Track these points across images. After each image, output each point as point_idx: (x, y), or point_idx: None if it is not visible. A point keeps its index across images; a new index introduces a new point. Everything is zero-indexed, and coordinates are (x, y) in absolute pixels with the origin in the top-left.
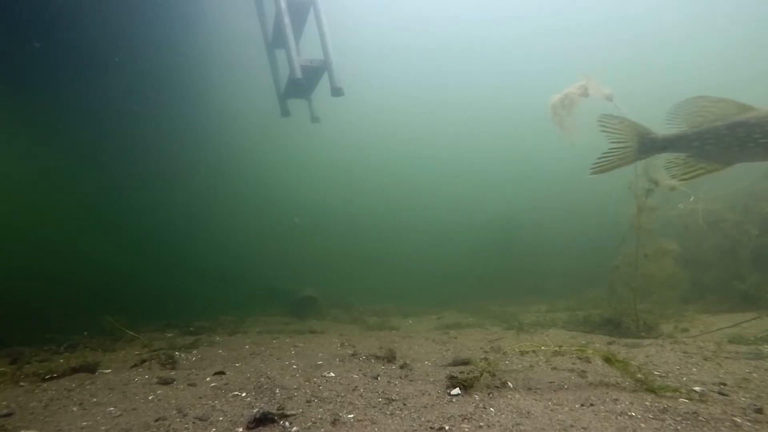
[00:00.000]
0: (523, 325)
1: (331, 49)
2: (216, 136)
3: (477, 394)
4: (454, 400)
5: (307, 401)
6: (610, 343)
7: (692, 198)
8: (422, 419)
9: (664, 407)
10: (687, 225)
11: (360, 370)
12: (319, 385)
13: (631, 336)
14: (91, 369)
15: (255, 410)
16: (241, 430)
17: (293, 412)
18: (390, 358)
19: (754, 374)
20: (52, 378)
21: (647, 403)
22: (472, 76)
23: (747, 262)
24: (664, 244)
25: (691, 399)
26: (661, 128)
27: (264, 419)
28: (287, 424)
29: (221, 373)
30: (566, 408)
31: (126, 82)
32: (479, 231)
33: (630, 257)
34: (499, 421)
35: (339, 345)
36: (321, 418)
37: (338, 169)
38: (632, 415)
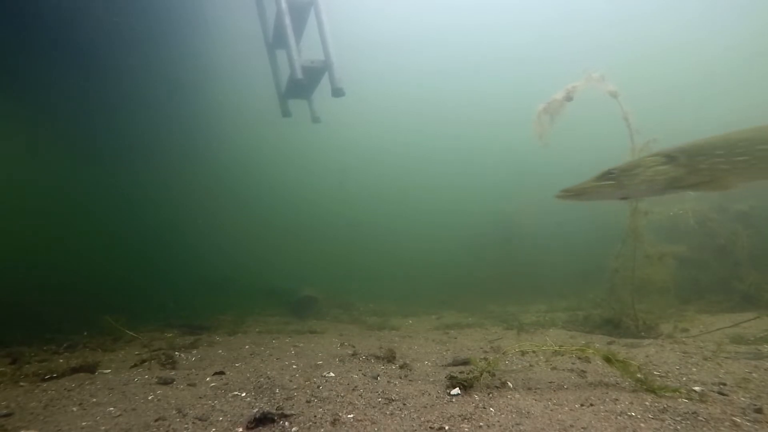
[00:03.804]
0: (523, 325)
1: (332, 50)
2: (216, 137)
3: (477, 394)
4: (453, 400)
5: (307, 401)
6: (610, 343)
7: (684, 200)
8: (422, 419)
9: (664, 407)
10: (676, 225)
11: (360, 370)
12: (319, 385)
13: (631, 336)
14: (91, 369)
15: (255, 410)
16: (240, 430)
17: (293, 412)
18: (390, 358)
19: (754, 374)
20: (51, 378)
21: (647, 403)
22: (472, 75)
23: (744, 261)
24: (659, 244)
25: (690, 399)
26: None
27: (264, 419)
28: (287, 424)
29: (221, 373)
30: (566, 408)
31: (127, 82)
32: (479, 231)
33: (627, 258)
34: (498, 421)
35: (339, 345)
36: (321, 418)
37: (335, 169)
38: (632, 415)
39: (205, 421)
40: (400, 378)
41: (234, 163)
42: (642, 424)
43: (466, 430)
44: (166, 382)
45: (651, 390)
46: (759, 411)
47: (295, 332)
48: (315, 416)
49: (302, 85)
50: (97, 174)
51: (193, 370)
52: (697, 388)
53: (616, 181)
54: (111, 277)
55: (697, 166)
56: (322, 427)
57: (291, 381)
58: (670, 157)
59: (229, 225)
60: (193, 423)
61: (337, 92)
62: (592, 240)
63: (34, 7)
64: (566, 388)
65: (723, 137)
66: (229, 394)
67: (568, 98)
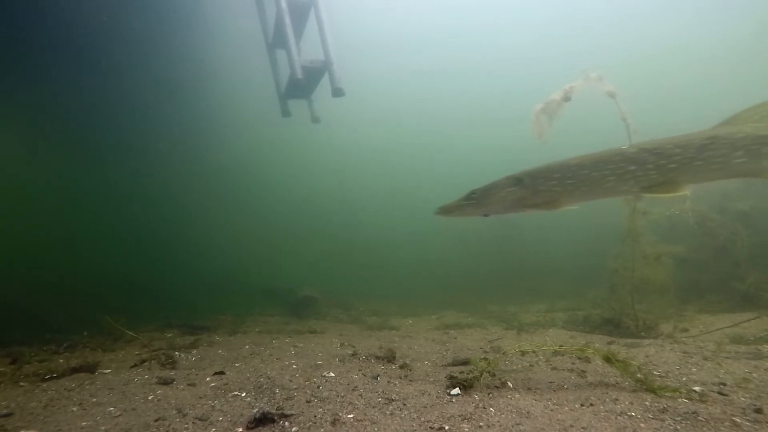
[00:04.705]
0: (523, 325)
1: (332, 50)
2: (216, 137)
3: (477, 394)
4: (453, 400)
5: (307, 401)
6: (610, 343)
7: (687, 201)
8: (422, 419)
9: (664, 407)
10: (675, 225)
11: (360, 370)
12: (319, 385)
13: (631, 336)
14: (91, 369)
15: (255, 410)
16: (240, 430)
17: (293, 412)
18: (390, 358)
19: (754, 374)
20: (52, 378)
21: (647, 403)
22: (472, 75)
23: (744, 261)
24: (657, 245)
25: (690, 399)
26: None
27: (264, 419)
28: (287, 424)
29: (221, 373)
30: (566, 408)
31: (126, 83)
32: (479, 231)
33: (626, 258)
34: (498, 421)
35: (339, 345)
36: (321, 418)
37: (335, 169)
38: (632, 415)
39: (205, 421)
40: (400, 378)
41: (234, 162)
42: (642, 424)
43: (466, 430)
44: (166, 382)
45: (651, 390)
46: (759, 411)
47: (295, 332)
48: (315, 416)
49: (302, 85)
50: (98, 174)
51: (193, 370)
52: (697, 388)
53: (476, 201)
54: (111, 277)
55: (537, 187)
56: (322, 427)
57: (291, 381)
58: (517, 180)
59: (229, 225)
60: (193, 423)
61: (337, 92)
62: (592, 240)
63: (34, 7)
64: (566, 388)
65: (559, 162)
66: (229, 394)
67: (566, 98)
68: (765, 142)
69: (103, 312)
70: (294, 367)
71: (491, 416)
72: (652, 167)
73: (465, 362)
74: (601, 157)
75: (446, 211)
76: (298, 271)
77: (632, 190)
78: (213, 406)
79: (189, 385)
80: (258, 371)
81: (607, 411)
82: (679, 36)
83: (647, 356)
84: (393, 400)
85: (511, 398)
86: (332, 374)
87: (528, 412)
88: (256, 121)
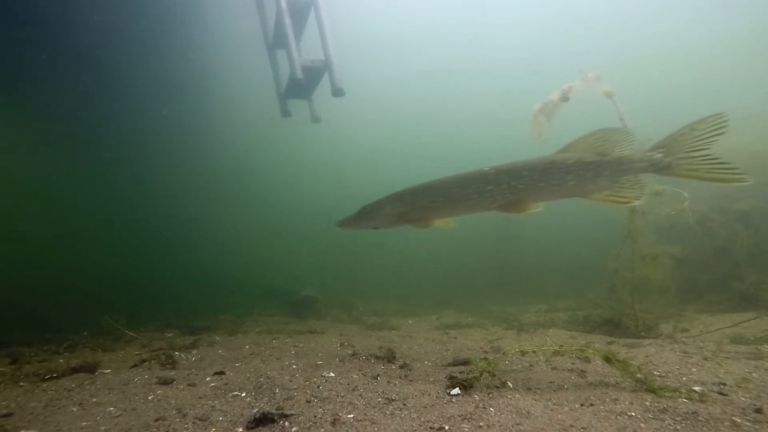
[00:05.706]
0: (523, 325)
1: (332, 50)
2: (216, 137)
3: (477, 394)
4: (453, 400)
5: (307, 401)
6: (609, 343)
7: (686, 201)
8: (422, 419)
9: (664, 407)
10: (674, 225)
11: (360, 370)
12: (319, 385)
13: (631, 336)
14: (90, 369)
15: (255, 410)
16: (240, 430)
17: (293, 412)
18: (390, 358)
19: (754, 374)
20: (51, 378)
21: (647, 403)
22: (472, 75)
23: (744, 261)
24: (657, 245)
25: (690, 399)
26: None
27: (264, 419)
28: (287, 424)
29: (221, 373)
30: (566, 408)
31: (127, 82)
32: (479, 231)
33: (626, 258)
34: (498, 421)
35: (339, 345)
36: (321, 418)
37: (334, 169)
38: (632, 415)
39: (205, 421)
40: (400, 378)
41: (234, 162)
42: (642, 424)
43: (466, 430)
44: (166, 382)
45: (651, 390)
46: (759, 411)
47: (295, 332)
48: (315, 416)
49: (302, 84)
50: (98, 173)
51: (193, 370)
52: (697, 388)
53: (366, 215)
54: (111, 277)
55: (415, 204)
56: (322, 427)
57: (291, 381)
58: (399, 197)
59: (229, 225)
60: (193, 423)
61: (337, 92)
62: (592, 240)
63: (34, 7)
64: (566, 388)
65: (435, 181)
66: (229, 394)
67: (564, 99)
68: (588, 168)
69: (103, 312)
70: (294, 367)
71: (491, 416)
72: (506, 187)
73: (465, 362)
74: (466, 177)
75: (343, 224)
76: (298, 271)
77: (491, 207)
78: (213, 406)
79: (189, 385)
80: (258, 371)
81: (607, 411)
82: (679, 36)
83: (647, 356)
84: (393, 400)
85: (511, 398)
86: (332, 374)
87: (528, 412)
88: (256, 120)
